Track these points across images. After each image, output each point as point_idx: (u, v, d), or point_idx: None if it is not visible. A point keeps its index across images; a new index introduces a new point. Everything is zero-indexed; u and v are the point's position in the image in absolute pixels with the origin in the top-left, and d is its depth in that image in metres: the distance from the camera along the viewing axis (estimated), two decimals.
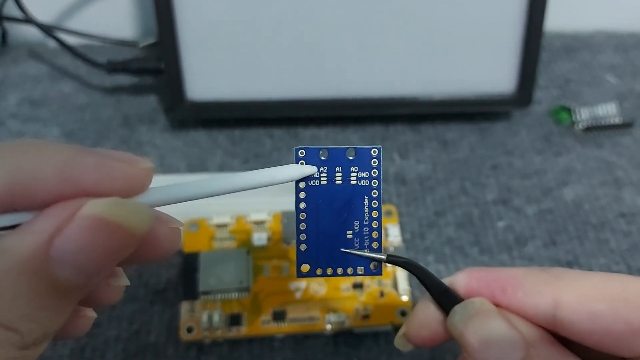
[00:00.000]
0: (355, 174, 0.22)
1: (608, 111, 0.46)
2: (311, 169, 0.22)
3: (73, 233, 0.17)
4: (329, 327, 0.33)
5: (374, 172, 0.22)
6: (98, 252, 0.17)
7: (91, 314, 0.21)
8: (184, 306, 0.33)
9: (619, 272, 0.37)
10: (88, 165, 0.18)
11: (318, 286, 0.34)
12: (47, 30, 0.47)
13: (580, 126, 0.46)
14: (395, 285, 0.34)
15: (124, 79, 0.49)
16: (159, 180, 0.43)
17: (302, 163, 0.22)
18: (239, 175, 0.21)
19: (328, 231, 0.22)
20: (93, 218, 0.17)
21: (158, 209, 0.20)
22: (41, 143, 0.17)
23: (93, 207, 0.17)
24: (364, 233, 0.22)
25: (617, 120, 0.46)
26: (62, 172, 0.17)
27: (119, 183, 0.18)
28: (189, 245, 0.36)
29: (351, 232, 0.22)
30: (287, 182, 0.21)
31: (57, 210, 0.17)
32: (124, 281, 0.20)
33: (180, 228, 0.21)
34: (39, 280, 0.17)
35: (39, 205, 0.17)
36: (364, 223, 0.22)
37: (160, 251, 0.20)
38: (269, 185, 0.21)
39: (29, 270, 0.16)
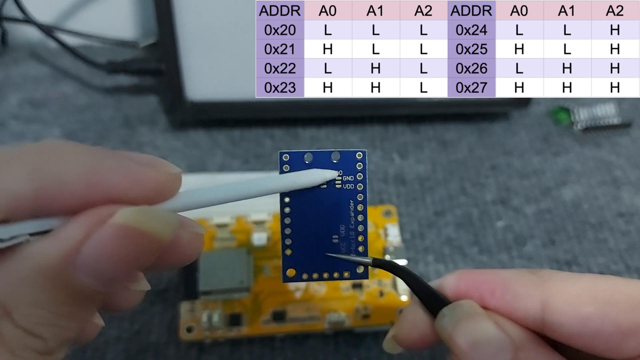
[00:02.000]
0: (340, 178, 0.22)
1: (606, 111, 0.46)
2: (332, 174, 0.22)
3: (102, 241, 0.17)
4: (329, 326, 0.33)
5: (359, 176, 0.22)
6: (123, 260, 0.17)
7: (99, 321, 0.20)
8: (185, 306, 0.33)
9: (618, 271, 0.37)
10: (114, 170, 0.17)
11: (318, 286, 0.34)
12: (48, 30, 0.47)
13: (579, 126, 0.46)
14: (394, 285, 0.34)
15: (124, 80, 0.49)
16: None
17: (286, 167, 0.22)
18: (262, 179, 0.21)
19: (314, 235, 0.22)
20: (122, 227, 0.17)
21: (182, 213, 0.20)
22: (65, 145, 0.17)
23: (123, 216, 0.17)
24: (350, 237, 0.22)
25: (615, 120, 0.46)
26: (88, 178, 0.17)
27: (146, 189, 0.18)
28: None
29: (337, 236, 0.22)
30: (309, 186, 0.22)
31: (87, 218, 0.17)
32: (145, 285, 0.20)
33: (202, 233, 0.20)
34: (61, 286, 0.17)
35: (64, 211, 0.17)
36: (350, 227, 0.22)
37: (183, 257, 0.20)
38: (291, 190, 0.21)
39: (52, 277, 0.16)
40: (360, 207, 0.22)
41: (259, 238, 0.36)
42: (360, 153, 0.22)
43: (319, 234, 0.22)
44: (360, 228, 0.22)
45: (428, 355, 0.34)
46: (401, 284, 0.34)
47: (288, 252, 0.22)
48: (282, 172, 0.22)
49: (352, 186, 0.22)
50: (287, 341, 0.34)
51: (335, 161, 0.22)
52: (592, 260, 0.38)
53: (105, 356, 0.33)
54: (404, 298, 0.34)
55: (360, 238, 0.22)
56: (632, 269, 0.37)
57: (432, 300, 0.21)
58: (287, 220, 0.22)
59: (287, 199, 0.22)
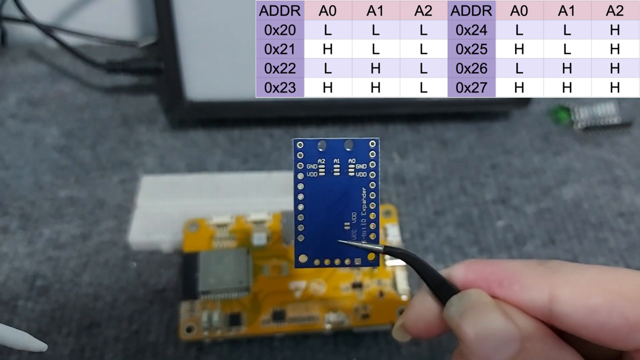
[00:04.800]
0: (353, 166, 0.22)
1: (607, 111, 0.46)
2: (39, 346, 0.22)
3: None
4: (328, 326, 0.33)
5: (372, 164, 0.22)
6: None
7: None
8: (184, 306, 0.33)
9: None
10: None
11: (317, 285, 0.34)
12: (47, 30, 0.47)
13: (579, 125, 0.46)
14: (394, 285, 0.34)
15: (124, 79, 0.49)
16: (159, 180, 0.43)
17: (300, 155, 0.22)
18: None
19: (326, 222, 0.22)
20: None
21: None
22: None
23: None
24: (361, 224, 0.22)
25: (615, 119, 0.46)
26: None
27: None
28: (188, 245, 0.36)
29: (349, 223, 0.22)
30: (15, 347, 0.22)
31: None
32: None
33: None
34: None
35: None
36: (362, 214, 0.22)
37: None
38: None
39: None
40: (372, 195, 0.22)
41: (259, 238, 0.36)
42: (373, 141, 0.22)
43: (331, 221, 0.22)
44: (372, 216, 0.22)
45: (427, 355, 0.33)
46: (401, 284, 0.34)
47: (300, 238, 0.22)
48: (296, 159, 0.22)
49: (364, 174, 0.22)
50: (286, 341, 0.34)
51: (348, 149, 0.22)
52: (592, 260, 0.38)
53: (104, 356, 0.33)
54: (404, 298, 0.34)
55: (371, 226, 0.22)
56: (632, 268, 0.37)
57: (441, 289, 0.22)
58: (300, 207, 0.22)
59: (300, 186, 0.22)
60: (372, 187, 0.22)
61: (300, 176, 0.22)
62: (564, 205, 0.41)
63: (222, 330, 0.33)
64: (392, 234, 0.37)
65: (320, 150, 0.22)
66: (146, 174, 0.42)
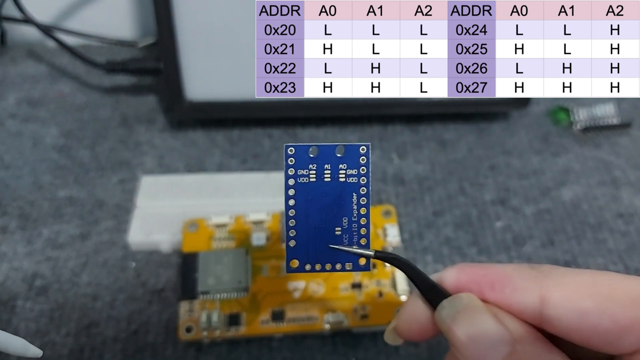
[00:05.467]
0: (344, 171, 0.22)
1: (606, 111, 0.46)
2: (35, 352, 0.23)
3: None
4: (327, 327, 0.33)
5: (363, 170, 0.22)
6: None
7: None
8: (183, 306, 0.33)
9: (617, 272, 0.37)
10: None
11: (316, 286, 0.34)
12: (46, 30, 0.47)
13: (579, 126, 0.46)
14: (394, 285, 0.34)
15: (123, 79, 0.49)
16: (159, 181, 0.43)
17: (291, 160, 0.22)
18: None
19: (317, 227, 0.22)
20: None
21: None
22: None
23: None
24: (353, 229, 0.23)
25: (615, 120, 0.46)
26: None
27: None
28: (188, 245, 0.36)
29: (340, 228, 0.23)
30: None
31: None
32: None
33: None
34: None
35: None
36: (353, 219, 0.23)
37: None
38: None
39: None
40: (363, 200, 0.23)
41: (258, 238, 0.36)
42: (363, 147, 0.22)
43: (322, 226, 0.23)
44: (363, 221, 0.23)
45: (426, 355, 0.33)
46: (400, 285, 0.34)
47: (292, 243, 0.22)
48: (287, 165, 0.22)
49: (355, 180, 0.22)
50: (285, 341, 0.34)
51: (339, 155, 0.22)
52: (591, 261, 0.38)
53: (103, 356, 0.33)
54: (403, 298, 0.34)
55: (362, 231, 0.23)
56: (631, 269, 0.37)
57: (432, 293, 0.22)
58: (292, 212, 0.22)
59: (291, 191, 0.22)
60: (362, 193, 0.22)
61: (291, 182, 0.22)
62: (563, 206, 0.41)
63: (221, 331, 0.33)
64: (391, 234, 0.37)
65: (311, 155, 0.22)
66: (145, 174, 0.42)
